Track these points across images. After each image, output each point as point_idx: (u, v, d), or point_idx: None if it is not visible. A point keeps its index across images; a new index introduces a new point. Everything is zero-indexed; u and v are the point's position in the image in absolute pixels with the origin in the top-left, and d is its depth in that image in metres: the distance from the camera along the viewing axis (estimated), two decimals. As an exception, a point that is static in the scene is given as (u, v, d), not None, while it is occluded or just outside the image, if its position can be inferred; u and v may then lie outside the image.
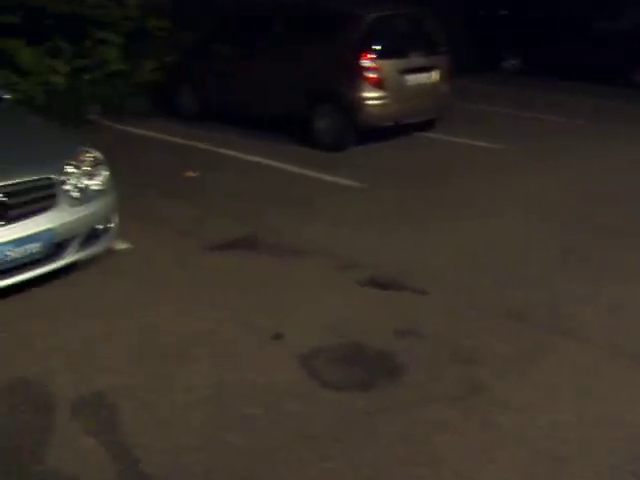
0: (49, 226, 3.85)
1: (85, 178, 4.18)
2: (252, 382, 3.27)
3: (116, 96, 9.75)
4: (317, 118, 7.84)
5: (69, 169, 4.11)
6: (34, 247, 3.79)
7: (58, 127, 4.88)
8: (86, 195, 4.14)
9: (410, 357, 3.50)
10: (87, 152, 4.34)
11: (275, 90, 8.21)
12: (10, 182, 3.79)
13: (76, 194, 4.09)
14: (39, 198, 3.90)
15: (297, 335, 3.71)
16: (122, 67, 9.61)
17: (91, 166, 4.27)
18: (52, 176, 3.99)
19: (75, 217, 4.02)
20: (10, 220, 3.71)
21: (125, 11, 9.95)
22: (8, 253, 3.67)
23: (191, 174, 6.79)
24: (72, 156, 4.22)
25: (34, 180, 3.92)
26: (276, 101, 8.22)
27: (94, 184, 4.23)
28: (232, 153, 7.63)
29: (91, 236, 4.21)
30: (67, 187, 4.05)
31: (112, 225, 4.38)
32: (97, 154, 4.40)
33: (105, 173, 4.34)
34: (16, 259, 3.73)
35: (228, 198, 6.10)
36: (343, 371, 3.41)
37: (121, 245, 4.73)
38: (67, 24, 9.30)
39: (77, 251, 4.11)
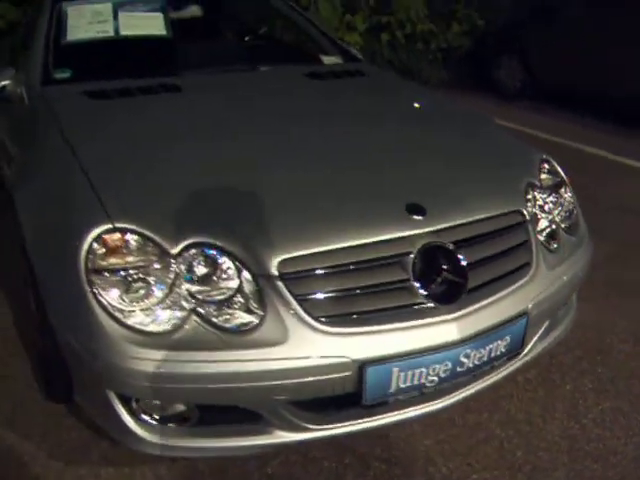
0: (524, 307, 1.99)
1: (551, 211, 2.32)
2: None
3: (413, 62, 8.00)
4: None
5: (530, 195, 2.25)
6: (499, 346, 1.95)
7: (481, 114, 3.05)
8: (560, 244, 2.26)
9: None
10: (546, 163, 2.49)
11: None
12: (464, 220, 2.00)
13: (552, 243, 2.22)
14: (504, 252, 2.06)
15: None
16: (430, 27, 7.76)
17: (552, 188, 2.39)
18: (522, 209, 2.17)
19: (555, 288, 2.11)
20: (466, 298, 1.90)
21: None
22: (463, 360, 1.88)
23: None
24: (532, 171, 2.38)
25: (497, 217, 2.09)
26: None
27: (563, 221, 2.34)
28: (598, 151, 5.51)
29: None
30: (539, 228, 2.20)
31: (574, 297, 2.48)
32: (555, 165, 2.53)
33: (570, 198, 2.43)
34: (472, 367, 1.92)
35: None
36: None
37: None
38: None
39: (538, 341, 2.23)
